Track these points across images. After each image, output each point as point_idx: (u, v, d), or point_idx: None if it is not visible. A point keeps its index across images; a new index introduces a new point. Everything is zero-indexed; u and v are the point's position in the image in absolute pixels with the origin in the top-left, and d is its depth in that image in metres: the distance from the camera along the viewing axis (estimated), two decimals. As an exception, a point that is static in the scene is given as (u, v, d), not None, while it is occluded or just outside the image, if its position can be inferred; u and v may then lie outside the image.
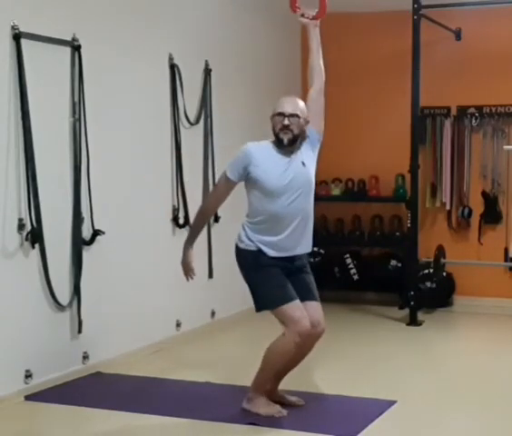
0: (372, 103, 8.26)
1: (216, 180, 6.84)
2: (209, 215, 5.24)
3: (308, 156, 4.69)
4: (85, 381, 5.40)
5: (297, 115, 4.57)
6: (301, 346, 4.59)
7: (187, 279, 4.81)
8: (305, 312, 4.57)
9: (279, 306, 4.55)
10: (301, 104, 4.66)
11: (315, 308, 4.70)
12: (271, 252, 4.60)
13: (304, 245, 4.72)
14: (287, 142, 4.57)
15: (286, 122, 4.57)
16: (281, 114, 4.58)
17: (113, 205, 5.76)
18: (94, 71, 5.49)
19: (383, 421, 4.64)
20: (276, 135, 4.62)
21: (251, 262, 4.63)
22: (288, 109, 4.59)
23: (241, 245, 4.66)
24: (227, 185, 4.69)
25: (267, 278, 4.60)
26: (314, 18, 4.82)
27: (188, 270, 4.79)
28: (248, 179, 4.62)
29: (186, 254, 4.77)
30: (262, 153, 4.61)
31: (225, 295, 6.93)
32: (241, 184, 4.67)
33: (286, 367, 4.72)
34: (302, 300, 4.62)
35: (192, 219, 5.62)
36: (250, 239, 4.62)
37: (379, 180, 8.21)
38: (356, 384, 5.36)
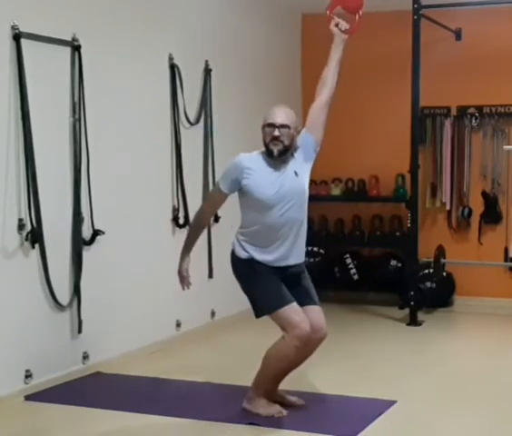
0: (372, 103, 8.25)
1: (216, 180, 6.87)
2: (203, 225, 4.97)
3: (301, 165, 4.62)
4: (85, 381, 5.40)
5: (287, 126, 4.50)
6: (301, 350, 4.55)
7: (183, 288, 4.80)
8: (304, 315, 4.53)
9: (276, 310, 4.51)
10: (292, 113, 4.58)
11: (316, 312, 4.66)
12: (265, 261, 4.57)
13: (296, 256, 4.64)
14: (277, 153, 4.50)
15: (276, 133, 4.49)
16: (272, 125, 4.51)
17: (113, 205, 5.76)
18: (94, 71, 5.49)
19: (383, 421, 4.64)
20: (266, 146, 4.54)
21: (246, 270, 4.61)
22: (278, 120, 4.51)
23: (236, 256, 4.65)
24: (220, 197, 4.68)
25: (263, 283, 4.57)
26: (345, 32, 4.82)
27: (184, 279, 4.77)
28: (240, 190, 4.57)
29: (182, 264, 4.74)
30: (254, 165, 4.54)
31: (225, 295, 6.92)
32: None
33: (285, 370, 4.69)
34: (302, 305, 4.58)
35: (191, 220, 5.59)
36: (244, 249, 4.59)
37: (379, 180, 8.21)
38: (356, 384, 5.36)
